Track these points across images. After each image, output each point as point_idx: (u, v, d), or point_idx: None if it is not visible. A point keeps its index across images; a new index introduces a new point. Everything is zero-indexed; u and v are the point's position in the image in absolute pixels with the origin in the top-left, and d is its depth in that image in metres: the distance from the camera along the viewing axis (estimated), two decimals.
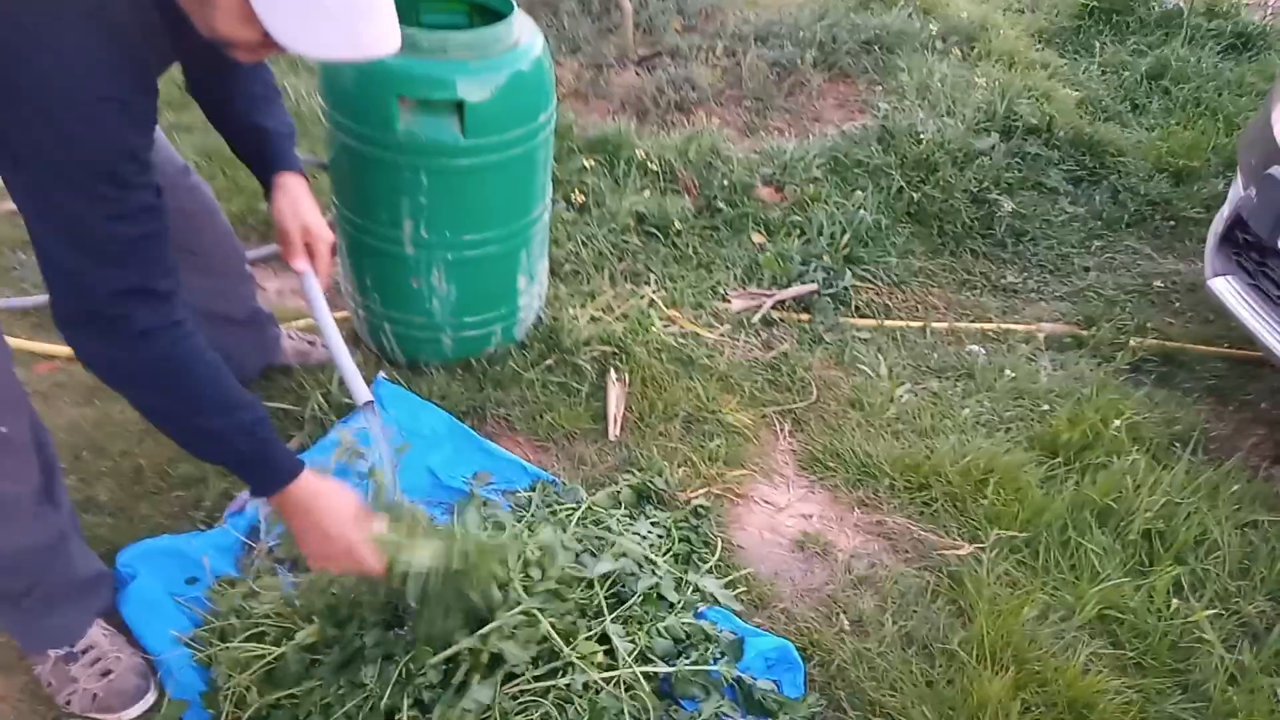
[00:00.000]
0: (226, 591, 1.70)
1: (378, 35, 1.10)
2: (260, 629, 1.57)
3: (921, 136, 3.35)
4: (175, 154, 1.76)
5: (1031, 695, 1.61)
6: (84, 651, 1.56)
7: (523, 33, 2.05)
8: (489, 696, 1.45)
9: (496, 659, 1.49)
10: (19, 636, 1.57)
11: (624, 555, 1.74)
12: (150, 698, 1.57)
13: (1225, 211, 2.54)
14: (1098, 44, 4.43)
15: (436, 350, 2.32)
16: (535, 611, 1.51)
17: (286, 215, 1.56)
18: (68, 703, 1.54)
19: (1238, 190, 2.44)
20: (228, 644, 1.55)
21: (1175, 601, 1.78)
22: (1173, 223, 3.31)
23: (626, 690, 1.54)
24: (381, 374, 2.23)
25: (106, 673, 1.55)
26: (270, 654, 1.50)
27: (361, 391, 1.51)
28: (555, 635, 1.52)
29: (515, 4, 2.05)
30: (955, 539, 1.96)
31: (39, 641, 1.55)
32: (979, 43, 4.30)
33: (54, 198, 1.12)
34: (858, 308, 2.82)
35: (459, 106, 1.95)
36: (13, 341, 2.25)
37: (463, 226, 2.12)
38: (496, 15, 2.08)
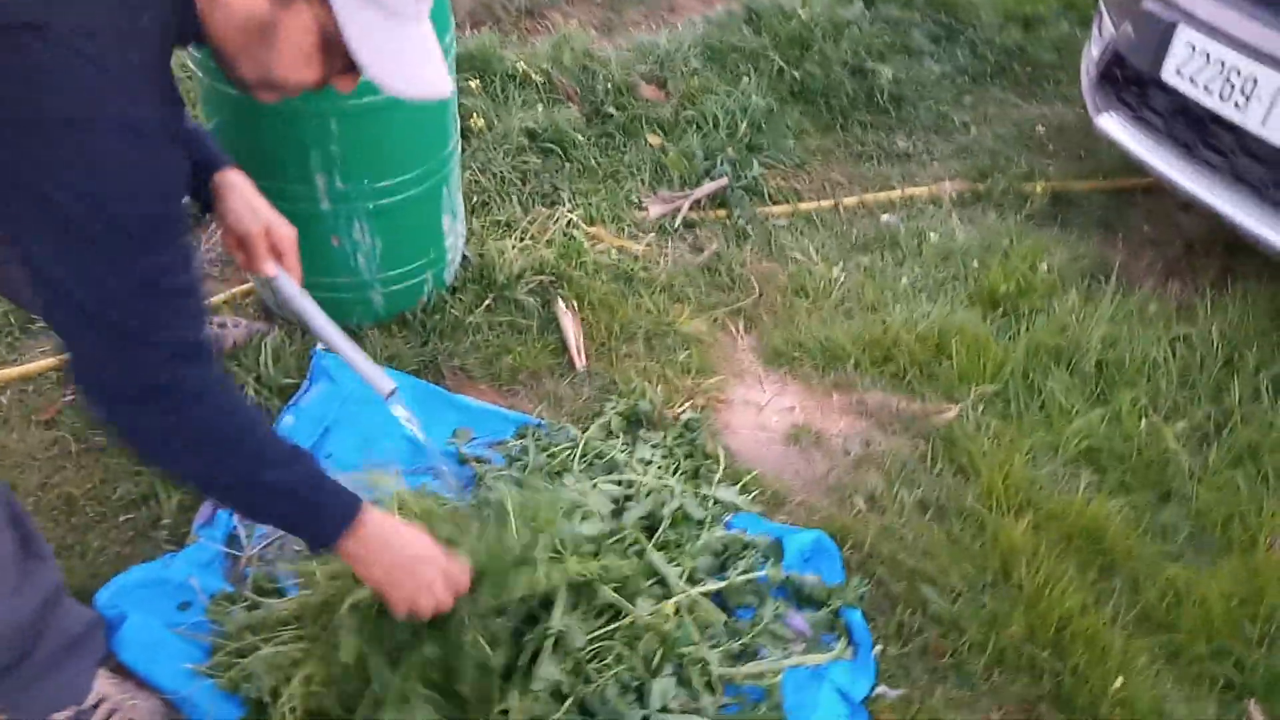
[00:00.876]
0: (228, 610, 1.55)
1: (443, 76, 1.14)
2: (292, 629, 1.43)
3: (790, 13, 3.32)
4: None
5: (1050, 533, 1.72)
6: (95, 706, 1.39)
7: None
8: (557, 672, 1.40)
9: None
10: (19, 709, 1.37)
11: (648, 491, 1.70)
12: None
13: (1095, 52, 2.67)
14: None
15: (367, 310, 2.14)
16: (595, 580, 1.45)
17: (244, 217, 1.34)
18: None
19: (1109, 29, 2.56)
20: (266, 646, 1.41)
21: (1143, 421, 1.94)
22: (1030, 68, 3.47)
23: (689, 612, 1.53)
24: (319, 345, 2.04)
25: None
26: (315, 646, 1.37)
27: (383, 382, 1.37)
28: (618, 599, 1.47)
29: None
30: (938, 404, 2.03)
31: (39, 708, 1.36)
32: None
33: (98, 256, 0.94)
34: (769, 195, 2.81)
35: None
36: None
37: (382, 171, 1.94)
38: None
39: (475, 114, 2.79)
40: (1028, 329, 2.20)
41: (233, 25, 1.02)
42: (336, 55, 1.06)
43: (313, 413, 1.90)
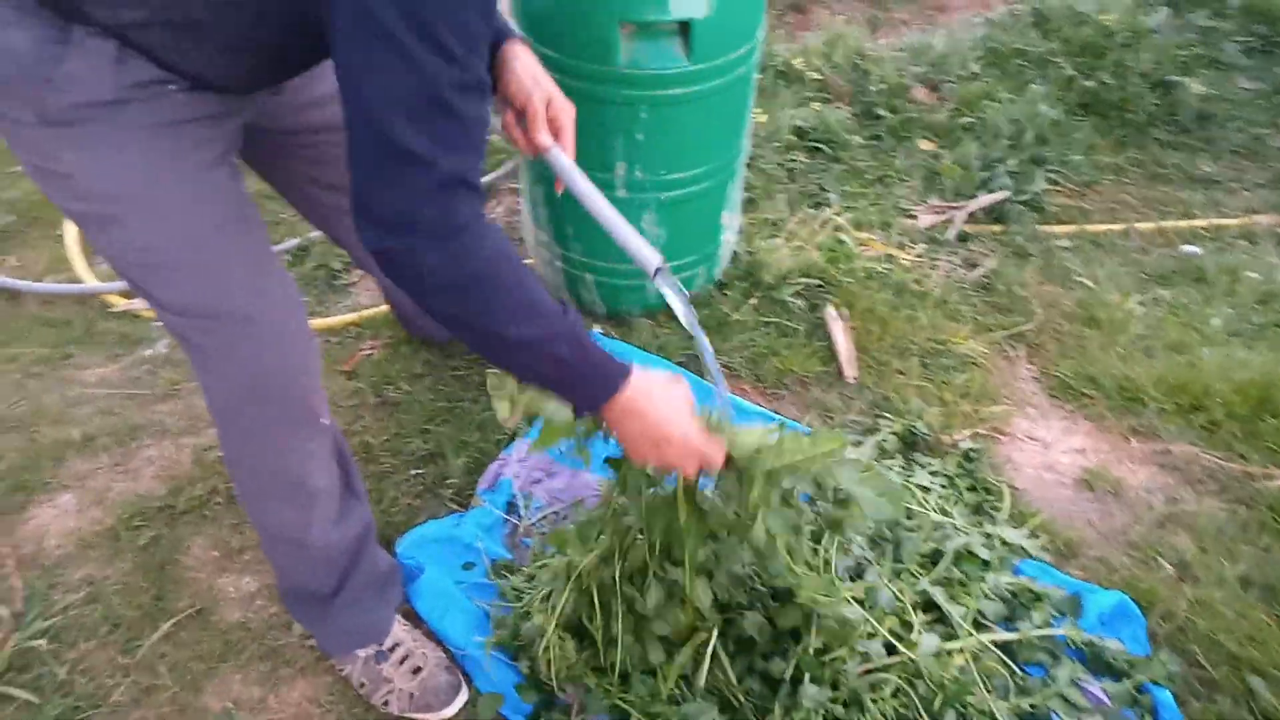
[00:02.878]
0: (508, 579, 1.59)
1: None
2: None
3: (1084, 17, 3.07)
4: None
5: None
6: (392, 649, 1.47)
7: None
8: (822, 696, 1.35)
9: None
10: (328, 639, 1.47)
11: (936, 525, 1.60)
12: (465, 694, 1.47)
13: None
14: None
15: (640, 299, 2.15)
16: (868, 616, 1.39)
17: (527, 85, 1.25)
18: (385, 703, 1.45)
19: None
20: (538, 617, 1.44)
21: None
22: None
23: (973, 659, 1.43)
24: (597, 328, 2.08)
25: (417, 670, 1.46)
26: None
27: (651, 257, 1.25)
28: (893, 640, 1.40)
29: None
30: (1265, 467, 1.81)
31: (347, 642, 1.46)
32: None
33: (394, 55, 0.88)
34: (1053, 213, 2.61)
35: (683, 27, 1.74)
36: None
37: (679, 163, 1.93)
38: None
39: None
40: None
41: None
42: None
43: None
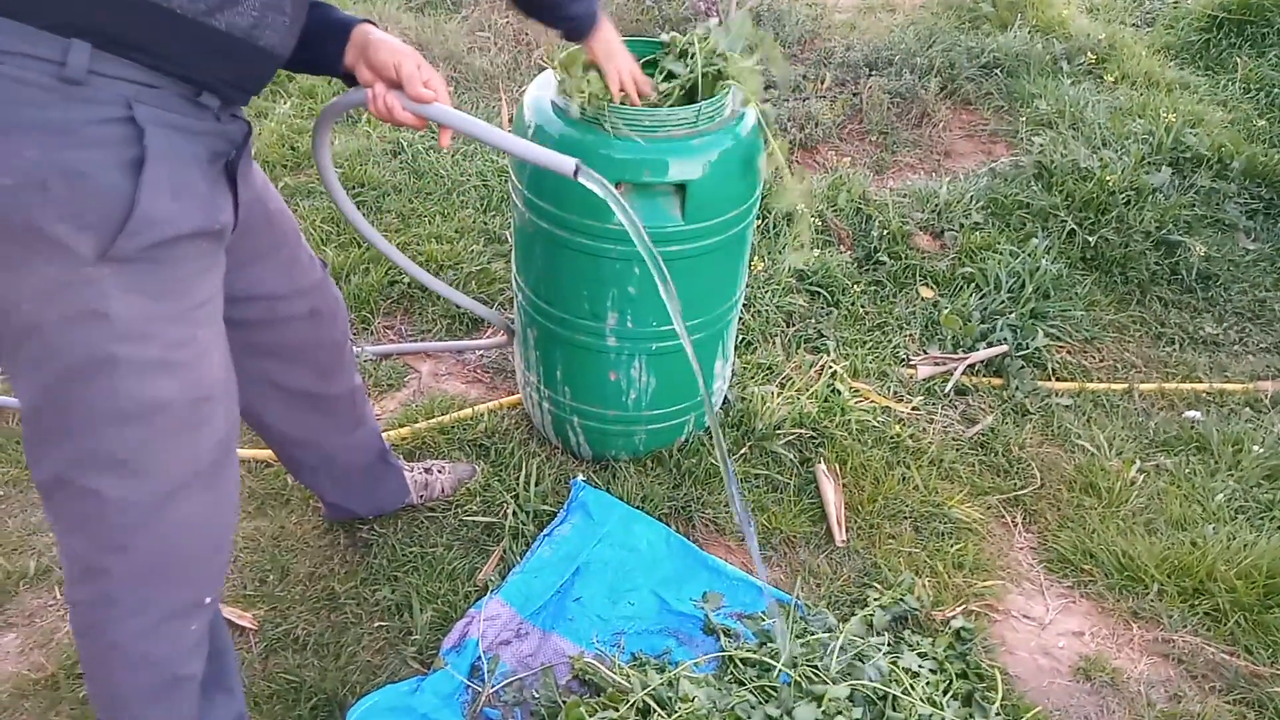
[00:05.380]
0: None
1: None
2: None
3: (1087, 173, 3.11)
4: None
5: None
6: None
7: (735, 99, 1.84)
8: None
9: None
10: None
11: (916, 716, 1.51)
12: None
13: None
14: (1235, 59, 4.15)
15: (628, 444, 2.11)
16: None
17: (394, 52, 1.25)
18: None
19: None
20: None
21: None
22: None
23: None
24: (580, 476, 2.03)
25: None
26: None
27: (564, 163, 1.27)
28: None
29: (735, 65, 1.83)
30: (1273, 667, 1.71)
31: None
32: (1110, 63, 4.06)
33: None
34: (1053, 370, 2.58)
35: (680, 188, 1.75)
36: None
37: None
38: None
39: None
40: None
41: None
42: None
43: (567, 548, 1.86)
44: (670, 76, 1.80)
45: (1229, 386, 2.54)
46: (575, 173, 1.30)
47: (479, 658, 1.67)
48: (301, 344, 1.49)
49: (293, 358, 1.49)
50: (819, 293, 2.75)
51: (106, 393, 1.05)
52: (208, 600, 1.25)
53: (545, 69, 2.01)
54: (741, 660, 1.65)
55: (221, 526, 1.23)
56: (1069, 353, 2.66)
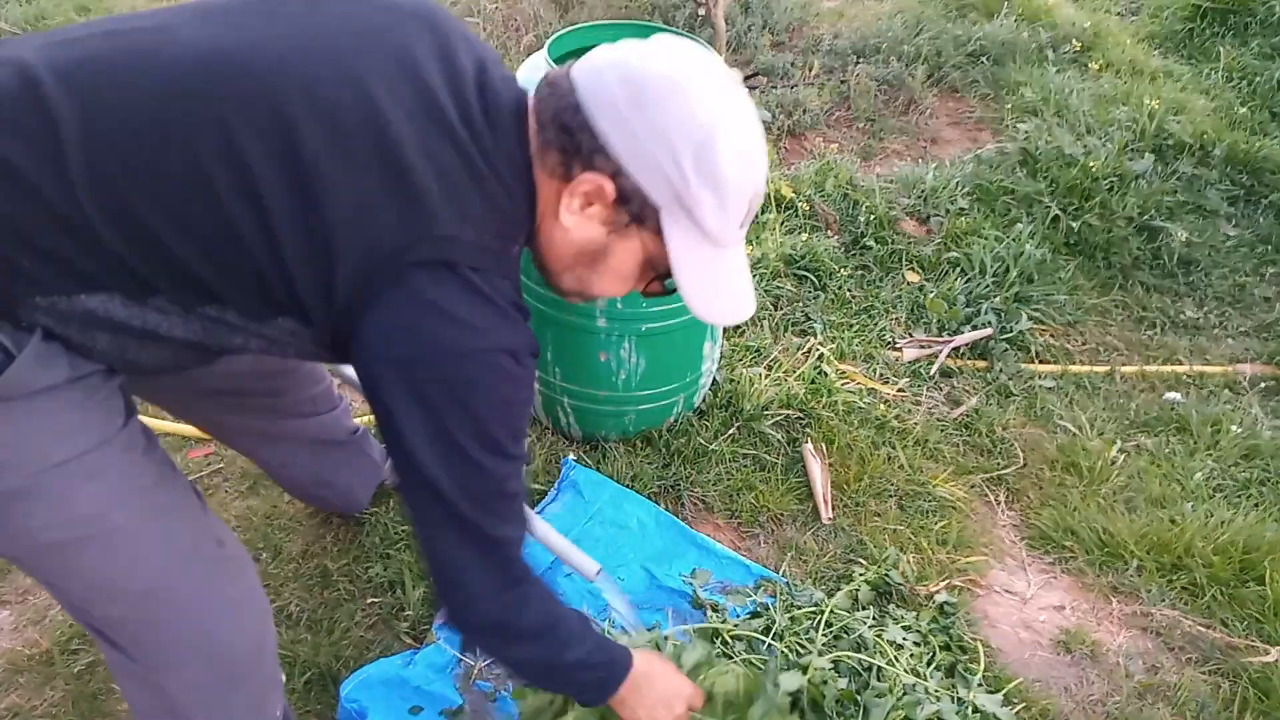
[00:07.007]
0: None
1: (750, 301, 1.06)
2: None
3: (1071, 159, 3.14)
4: None
5: None
6: None
7: None
8: None
9: None
10: None
11: (900, 685, 1.54)
12: None
13: None
14: (1218, 49, 4.19)
15: (618, 425, 2.13)
16: None
17: None
18: None
19: None
20: None
21: None
22: None
23: None
24: (571, 456, 2.05)
25: None
26: None
27: (588, 565, 1.45)
28: None
29: None
30: (1248, 639, 1.75)
31: None
32: (1094, 51, 4.10)
33: (467, 460, 0.97)
34: (1036, 353, 2.62)
35: None
36: (156, 424, 2.08)
37: (662, 298, 1.93)
38: None
39: None
40: None
41: (569, 249, 1.01)
42: (651, 275, 1.04)
43: (559, 526, 1.87)
44: None
45: (1208, 369, 2.58)
46: (596, 574, 1.45)
47: None
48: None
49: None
50: (806, 277, 2.77)
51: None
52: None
53: (534, 54, 2.02)
54: (729, 634, 1.68)
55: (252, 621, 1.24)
56: (1052, 336, 2.69)
